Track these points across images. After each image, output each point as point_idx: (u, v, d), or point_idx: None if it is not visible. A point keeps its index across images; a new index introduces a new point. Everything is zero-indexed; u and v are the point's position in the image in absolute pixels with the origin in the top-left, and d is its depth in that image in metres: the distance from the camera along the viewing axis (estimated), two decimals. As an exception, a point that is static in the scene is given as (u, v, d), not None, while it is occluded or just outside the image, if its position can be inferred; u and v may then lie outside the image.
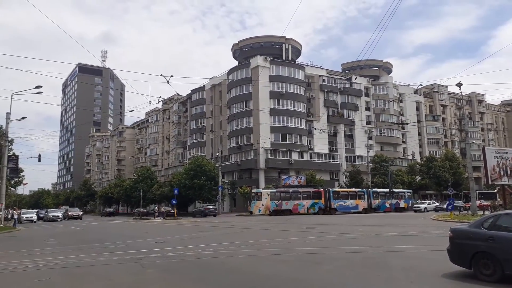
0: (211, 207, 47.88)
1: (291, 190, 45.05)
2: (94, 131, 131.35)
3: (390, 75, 78.63)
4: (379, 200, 48.20)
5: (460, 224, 9.23)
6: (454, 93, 76.51)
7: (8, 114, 31.90)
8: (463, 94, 38.81)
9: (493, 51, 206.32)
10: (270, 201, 42.82)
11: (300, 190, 45.27)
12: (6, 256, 13.26)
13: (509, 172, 27.43)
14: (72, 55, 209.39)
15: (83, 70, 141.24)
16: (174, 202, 45.96)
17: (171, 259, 11.42)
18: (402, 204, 49.84)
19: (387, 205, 48.38)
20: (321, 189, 45.77)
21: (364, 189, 49.39)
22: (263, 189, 47.04)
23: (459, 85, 32.31)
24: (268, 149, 55.92)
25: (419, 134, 76.33)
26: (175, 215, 45.79)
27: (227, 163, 59.62)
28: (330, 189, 46.99)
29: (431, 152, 72.93)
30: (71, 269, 10.16)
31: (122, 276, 9.01)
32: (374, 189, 50.34)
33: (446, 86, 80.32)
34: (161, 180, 71.46)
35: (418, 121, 73.75)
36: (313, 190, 45.46)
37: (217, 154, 56.14)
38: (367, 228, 21.69)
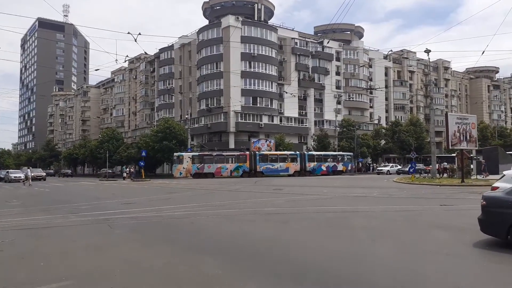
0: (104, 170, 53.23)
1: (214, 153, 45.30)
2: (57, 90, 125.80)
3: (361, 39, 78.75)
4: (315, 163, 48.14)
5: (490, 192, 8.69)
6: (422, 59, 77.84)
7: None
8: (430, 60, 39.59)
9: (462, 19, 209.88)
10: (192, 164, 43.28)
11: (224, 153, 45.58)
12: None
13: (468, 137, 28.63)
14: (31, 9, 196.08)
15: (44, 25, 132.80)
16: (142, 164, 45.48)
17: (139, 219, 11.41)
18: (340, 167, 49.60)
19: (323, 168, 48.38)
20: (247, 152, 46.19)
21: (297, 152, 49.49)
22: (185, 152, 46.79)
23: (427, 51, 32.96)
24: (239, 112, 55.64)
25: (386, 99, 77.89)
26: (143, 177, 45.48)
27: (196, 125, 59.04)
28: (256, 152, 47.21)
29: (397, 117, 74.90)
30: (35, 230, 9.95)
31: (89, 236, 8.93)
32: (310, 152, 50.94)
33: (414, 52, 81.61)
34: (128, 141, 70.19)
35: (386, 86, 75.03)
36: (238, 153, 45.93)
37: (186, 116, 55.30)
38: (333, 190, 22.39)
